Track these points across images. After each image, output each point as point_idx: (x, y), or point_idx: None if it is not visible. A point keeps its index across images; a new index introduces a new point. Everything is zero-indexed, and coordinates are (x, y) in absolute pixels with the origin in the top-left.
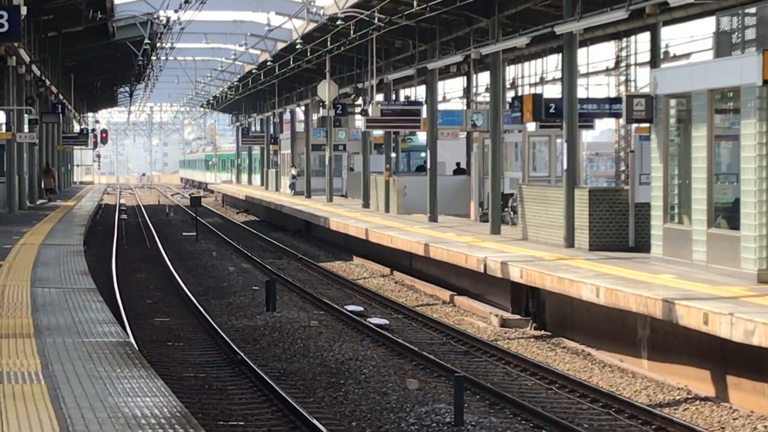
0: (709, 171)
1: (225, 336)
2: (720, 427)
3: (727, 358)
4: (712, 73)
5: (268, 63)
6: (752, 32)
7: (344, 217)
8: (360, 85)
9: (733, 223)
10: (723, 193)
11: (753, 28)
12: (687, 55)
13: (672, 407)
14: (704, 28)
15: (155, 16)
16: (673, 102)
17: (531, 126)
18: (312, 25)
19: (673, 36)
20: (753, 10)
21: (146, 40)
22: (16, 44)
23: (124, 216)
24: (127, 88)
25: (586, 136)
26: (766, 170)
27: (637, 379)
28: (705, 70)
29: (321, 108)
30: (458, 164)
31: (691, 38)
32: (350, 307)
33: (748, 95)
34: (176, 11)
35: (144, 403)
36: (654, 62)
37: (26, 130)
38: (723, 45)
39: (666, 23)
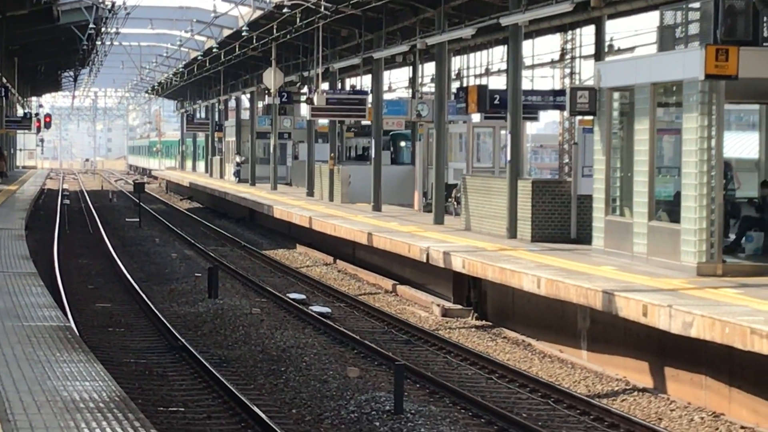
0: (651, 164)
1: (166, 322)
2: (657, 418)
3: (666, 350)
4: (656, 67)
5: (214, 50)
6: (696, 27)
7: (288, 205)
8: (306, 74)
9: (674, 216)
10: (664, 187)
11: (696, 22)
12: (631, 49)
13: (610, 398)
14: (648, 22)
15: (100, 0)
16: (616, 95)
17: (476, 117)
18: (258, 13)
19: (617, 29)
20: (696, 4)
21: (91, 25)
22: None
23: (67, 201)
24: (72, 73)
25: (531, 128)
26: (707, 164)
27: (577, 370)
28: (648, 63)
29: (266, 96)
30: None
31: (635, 32)
32: (292, 295)
33: (690, 89)
34: None
35: (83, 387)
36: (598, 55)
37: None
38: (666, 39)
39: (611, 16)
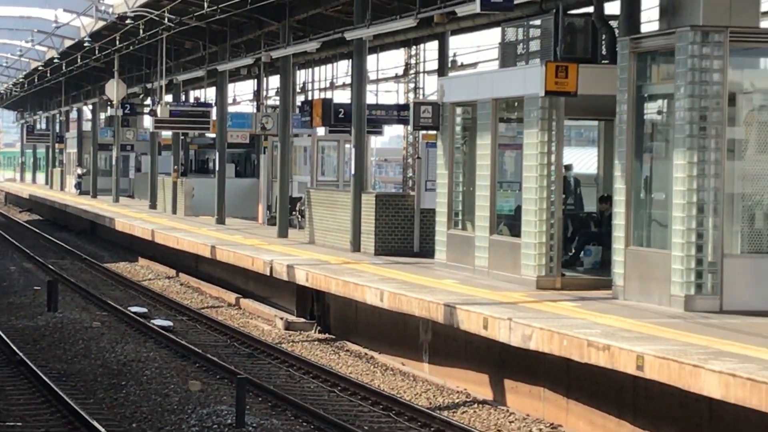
0: (493, 179)
1: (4, 336)
2: (497, 430)
3: (505, 363)
4: (497, 83)
5: (55, 60)
6: (536, 44)
7: (130, 217)
8: (149, 85)
9: (515, 230)
10: (506, 201)
11: (537, 39)
12: (474, 65)
13: (451, 410)
14: (491, 38)
15: None
16: (459, 110)
17: (320, 130)
18: (100, 24)
19: (461, 45)
20: (537, 22)
21: None
22: None
23: None
24: None
25: (376, 142)
26: (547, 179)
27: (418, 382)
28: (490, 79)
29: (109, 107)
30: None
31: (478, 48)
32: (134, 309)
33: (531, 105)
34: None
35: None
36: (442, 70)
37: None
38: (508, 55)
39: (454, 32)
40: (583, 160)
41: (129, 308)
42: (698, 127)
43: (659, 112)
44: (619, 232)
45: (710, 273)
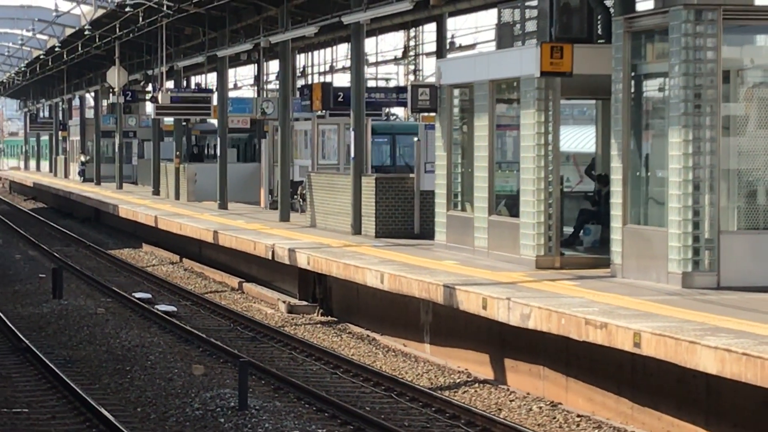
0: (491, 160)
1: (10, 323)
2: (497, 409)
3: (505, 342)
4: (494, 64)
5: (57, 49)
6: (533, 24)
7: (133, 204)
8: (150, 72)
9: (514, 210)
10: (505, 182)
11: (533, 20)
12: (472, 46)
13: (452, 390)
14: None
15: None
16: (456, 92)
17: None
18: (100, 11)
19: (459, 26)
20: (534, 2)
21: None
22: None
23: None
24: None
25: None
26: (545, 159)
27: (420, 363)
28: (487, 61)
29: (111, 94)
30: None
31: (476, 29)
32: (138, 295)
33: (527, 86)
34: None
35: None
36: (440, 52)
37: None
38: (505, 37)
39: (452, 14)
40: (584, 138)
41: (133, 294)
42: (693, 105)
43: (656, 90)
44: (616, 211)
45: (707, 250)
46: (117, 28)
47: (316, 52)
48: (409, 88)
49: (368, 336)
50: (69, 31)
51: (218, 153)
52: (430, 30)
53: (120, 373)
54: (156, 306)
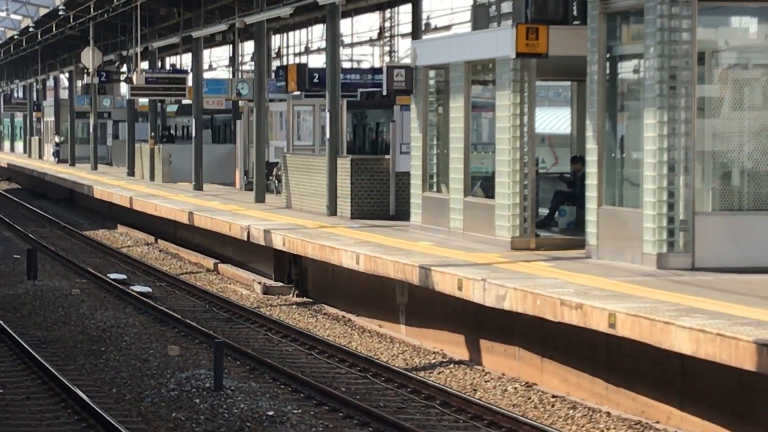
0: (466, 141)
1: None
2: (473, 389)
3: (481, 323)
4: (469, 46)
5: (30, 29)
6: (508, 6)
7: (108, 185)
8: (125, 53)
9: (489, 192)
10: (481, 163)
11: (509, 1)
12: (448, 27)
13: (427, 370)
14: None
15: None
16: (432, 73)
17: (296, 95)
18: None
19: (435, 8)
20: None
21: None
22: None
23: None
24: None
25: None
26: (520, 140)
27: (395, 344)
28: (462, 42)
29: (85, 75)
30: None
31: (451, 10)
32: (113, 276)
33: (502, 67)
34: None
35: None
36: (416, 33)
37: None
38: (480, 18)
39: None
40: (560, 120)
41: (108, 275)
42: (668, 87)
43: (631, 72)
44: (591, 192)
45: (682, 231)
46: (91, 8)
47: (291, 33)
48: (384, 69)
49: (344, 317)
50: (43, 11)
51: (193, 134)
52: (405, 11)
53: (95, 353)
54: (131, 287)
